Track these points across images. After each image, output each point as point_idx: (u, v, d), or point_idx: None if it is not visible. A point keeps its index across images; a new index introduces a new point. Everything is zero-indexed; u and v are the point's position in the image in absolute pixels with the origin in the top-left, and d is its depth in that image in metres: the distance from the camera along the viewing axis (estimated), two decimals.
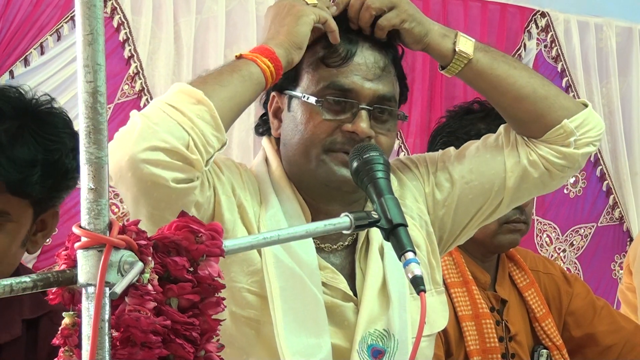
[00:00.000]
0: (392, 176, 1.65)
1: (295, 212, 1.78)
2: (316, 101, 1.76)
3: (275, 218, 1.76)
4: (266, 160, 1.86)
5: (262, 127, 1.92)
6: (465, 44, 1.85)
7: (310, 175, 1.77)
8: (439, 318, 1.90)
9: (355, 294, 1.79)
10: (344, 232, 1.42)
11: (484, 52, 1.87)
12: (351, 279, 1.81)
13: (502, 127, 1.95)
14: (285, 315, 1.69)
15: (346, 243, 1.83)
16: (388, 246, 1.80)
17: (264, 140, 1.90)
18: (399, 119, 1.83)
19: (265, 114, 1.91)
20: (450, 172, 1.92)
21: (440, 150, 1.99)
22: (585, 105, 1.93)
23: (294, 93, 1.80)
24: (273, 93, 1.85)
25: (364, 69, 1.78)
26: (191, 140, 1.56)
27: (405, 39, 1.84)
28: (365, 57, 1.79)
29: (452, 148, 1.97)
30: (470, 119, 2.56)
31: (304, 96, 1.77)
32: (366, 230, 1.82)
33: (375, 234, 1.82)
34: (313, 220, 1.78)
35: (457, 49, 1.84)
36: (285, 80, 1.81)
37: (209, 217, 1.69)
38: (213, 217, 1.70)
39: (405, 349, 1.76)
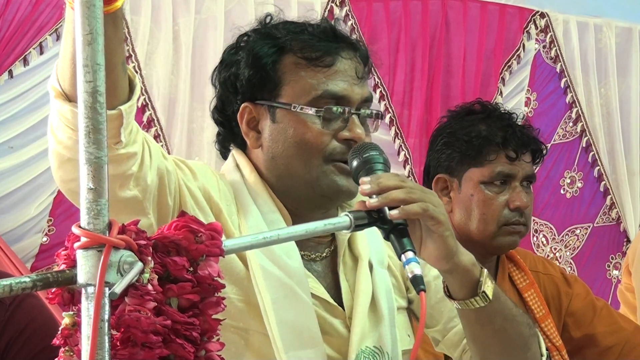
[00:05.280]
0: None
1: (276, 219, 1.75)
2: (316, 111, 1.73)
3: (257, 227, 1.73)
4: (237, 167, 1.82)
5: (225, 138, 1.87)
6: (489, 284, 1.66)
7: (309, 186, 1.74)
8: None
9: (341, 305, 1.77)
10: (344, 231, 1.42)
11: (497, 297, 1.70)
12: (335, 289, 1.79)
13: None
14: (281, 327, 1.67)
15: (324, 254, 1.80)
16: (376, 262, 1.80)
17: (234, 149, 1.85)
18: (378, 118, 1.81)
19: (222, 124, 1.85)
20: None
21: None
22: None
23: (276, 104, 1.76)
24: (245, 104, 1.79)
25: (350, 74, 1.76)
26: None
27: (432, 249, 1.57)
28: (350, 62, 1.77)
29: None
30: (471, 120, 2.55)
31: (294, 106, 1.73)
32: (347, 241, 1.80)
33: (363, 249, 1.80)
34: (294, 224, 1.73)
35: (483, 288, 1.65)
36: (259, 91, 1.77)
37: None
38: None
39: None
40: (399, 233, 1.46)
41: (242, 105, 1.79)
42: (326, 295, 1.75)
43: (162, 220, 1.61)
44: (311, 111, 1.73)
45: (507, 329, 1.72)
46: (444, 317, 1.86)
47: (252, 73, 1.78)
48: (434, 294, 1.84)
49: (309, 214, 1.76)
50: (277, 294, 1.68)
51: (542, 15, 4.55)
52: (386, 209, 1.48)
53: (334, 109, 1.73)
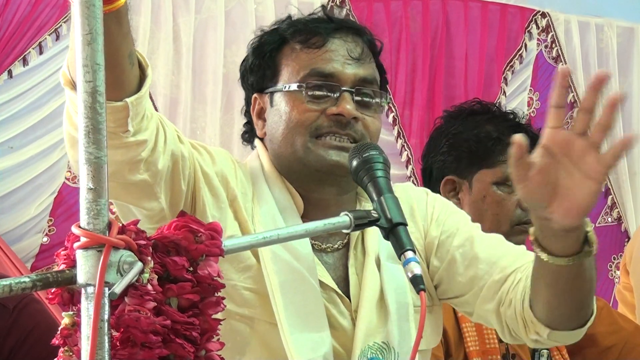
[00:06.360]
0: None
1: (288, 203, 1.78)
2: (298, 86, 1.77)
3: (270, 213, 1.76)
4: (258, 156, 1.86)
5: (249, 133, 1.92)
6: (592, 233, 1.63)
7: (300, 163, 1.77)
8: (434, 334, 1.89)
9: (348, 297, 1.77)
10: (344, 231, 1.42)
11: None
12: (344, 282, 1.80)
13: (518, 301, 1.75)
14: (287, 310, 1.69)
15: (336, 246, 1.82)
16: (384, 256, 1.80)
17: (256, 140, 1.90)
18: (385, 102, 1.82)
19: (248, 122, 1.91)
20: (444, 264, 1.85)
21: (458, 228, 1.87)
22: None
23: (274, 88, 1.81)
24: (255, 95, 1.86)
25: (343, 54, 1.79)
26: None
27: (575, 199, 1.56)
28: (343, 43, 1.80)
29: (466, 239, 1.86)
30: (477, 121, 2.54)
31: (285, 87, 1.78)
32: (360, 235, 1.81)
33: (372, 244, 1.81)
34: (305, 210, 1.79)
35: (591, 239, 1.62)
36: (265, 80, 1.83)
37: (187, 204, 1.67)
38: (195, 209, 1.69)
39: None
40: (398, 233, 1.45)
41: (253, 96, 1.86)
42: (333, 284, 1.77)
43: (175, 204, 1.64)
44: (295, 87, 1.77)
45: (593, 277, 1.65)
46: (475, 280, 1.81)
47: (254, 62, 1.85)
48: (461, 263, 1.82)
49: (319, 197, 1.79)
50: (286, 278, 1.70)
51: (543, 15, 4.55)
52: (387, 209, 1.48)
53: (317, 83, 1.76)
